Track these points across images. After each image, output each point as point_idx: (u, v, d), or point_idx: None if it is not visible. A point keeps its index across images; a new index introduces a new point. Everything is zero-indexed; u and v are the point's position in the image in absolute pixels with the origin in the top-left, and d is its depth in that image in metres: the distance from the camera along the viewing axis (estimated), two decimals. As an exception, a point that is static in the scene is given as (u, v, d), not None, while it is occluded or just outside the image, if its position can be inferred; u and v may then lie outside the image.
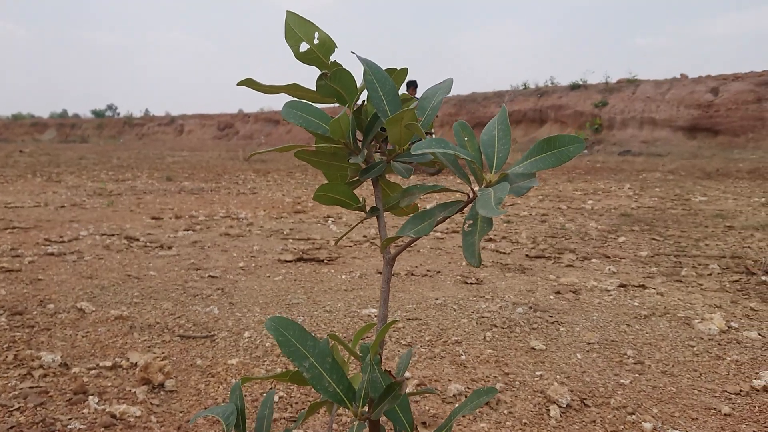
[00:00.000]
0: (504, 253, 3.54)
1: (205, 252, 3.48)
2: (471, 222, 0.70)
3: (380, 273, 2.97)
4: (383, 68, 0.81)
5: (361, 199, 0.83)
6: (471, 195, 0.72)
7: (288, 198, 6.40)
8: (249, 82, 0.79)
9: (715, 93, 18.03)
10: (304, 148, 0.82)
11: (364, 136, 0.84)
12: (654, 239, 4.02)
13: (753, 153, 14.76)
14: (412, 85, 9.48)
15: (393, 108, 0.79)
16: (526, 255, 3.45)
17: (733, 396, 1.62)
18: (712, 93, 18.09)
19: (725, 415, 1.51)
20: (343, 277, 2.94)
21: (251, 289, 2.66)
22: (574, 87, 21.04)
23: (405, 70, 0.87)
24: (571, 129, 19.31)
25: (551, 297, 2.55)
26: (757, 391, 1.65)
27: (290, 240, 3.94)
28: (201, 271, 2.98)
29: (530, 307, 2.37)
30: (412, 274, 2.99)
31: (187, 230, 4.24)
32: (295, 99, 0.83)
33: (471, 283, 2.81)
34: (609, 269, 3.08)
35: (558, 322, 2.20)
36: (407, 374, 1.72)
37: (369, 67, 0.80)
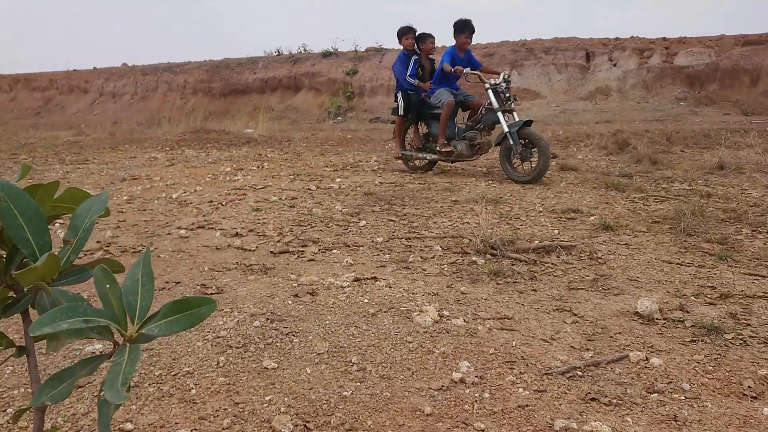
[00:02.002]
0: (249, 250, 3.54)
1: None
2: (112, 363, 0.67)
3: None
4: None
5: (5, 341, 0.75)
6: (113, 346, 0.69)
7: None
8: None
9: (449, 63, 19.81)
10: None
11: (6, 264, 0.75)
12: (391, 220, 4.35)
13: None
14: (409, 33, 6.65)
15: (37, 237, 0.72)
16: (271, 251, 3.50)
17: (436, 392, 1.85)
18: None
19: (427, 415, 1.72)
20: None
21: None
22: (327, 55, 21.54)
23: (56, 183, 0.79)
24: (325, 96, 19.84)
25: (290, 302, 2.63)
26: (456, 383, 1.90)
27: None
28: None
29: (268, 318, 2.42)
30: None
31: None
32: None
33: (211, 293, 2.76)
34: (347, 261, 3.27)
35: (293, 333, 2.28)
36: (129, 426, 1.64)
37: (4, 190, 0.72)
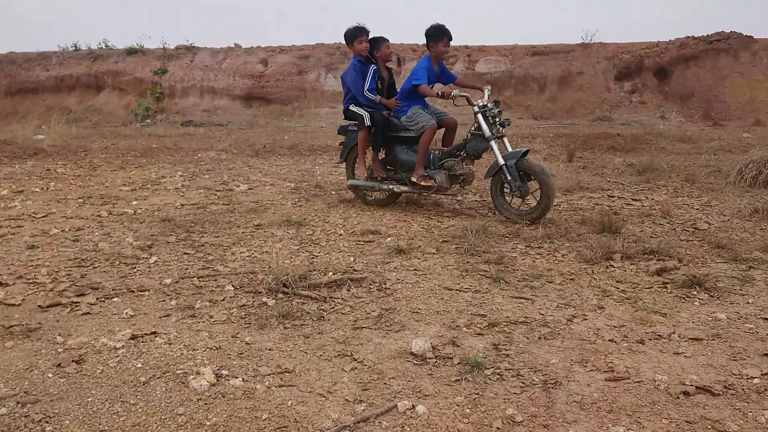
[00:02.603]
0: (13, 305, 3.15)
1: None
2: None
3: None
4: None
5: None
6: None
7: None
8: None
9: (266, 64, 19.61)
10: None
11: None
12: (186, 253, 4.15)
13: (298, 121, 16.68)
14: (362, 36, 5.46)
15: None
16: (39, 305, 3.14)
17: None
18: (263, 64, 19.62)
19: None
20: None
21: None
22: (131, 52, 20.15)
23: None
24: (132, 97, 18.53)
25: (50, 375, 2.37)
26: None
27: None
28: None
29: (19, 401, 2.16)
30: None
31: None
32: None
33: (-47, 373, 2.41)
34: (127, 312, 3.04)
35: (47, 418, 2.06)
36: None
37: None
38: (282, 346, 2.67)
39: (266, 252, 4.16)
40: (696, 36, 19.17)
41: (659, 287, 3.43)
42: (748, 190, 6.42)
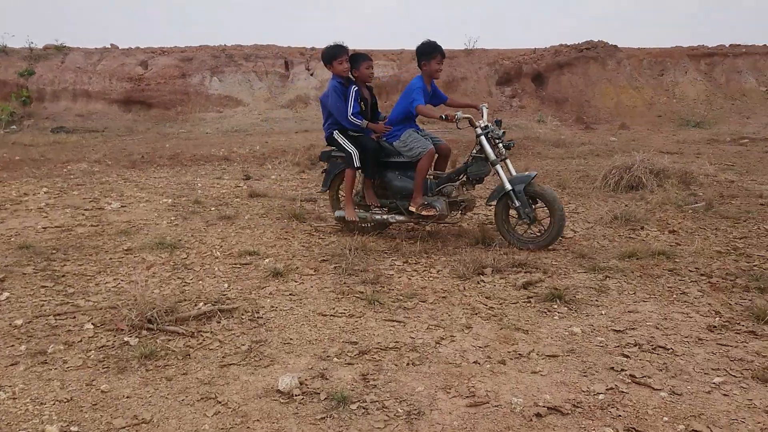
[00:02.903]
0: None
1: None
2: None
3: None
4: None
5: None
6: None
7: None
8: None
9: (145, 66, 18.72)
10: None
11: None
12: (44, 286, 3.85)
13: (182, 127, 16.07)
14: (343, 55, 4.99)
15: None
16: None
17: None
18: (142, 66, 18.71)
19: None
20: None
21: None
22: (-7, 52, 18.51)
23: None
24: (-5, 101, 17.02)
25: None
26: None
27: None
28: None
29: None
30: None
31: None
32: None
33: None
34: (-33, 363, 2.77)
35: None
36: None
37: None
38: (141, 392, 2.53)
39: (134, 281, 3.94)
40: (569, 44, 20.44)
41: (524, 302, 3.60)
42: (611, 195, 6.90)
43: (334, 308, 3.49)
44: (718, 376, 2.65)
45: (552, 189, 5.00)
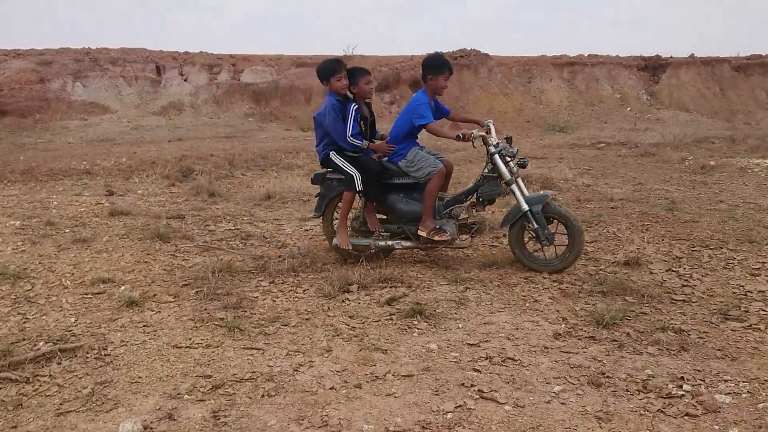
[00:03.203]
0: None
1: None
2: None
3: None
4: None
5: None
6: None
7: None
8: None
9: (-3, 70, 17.19)
10: None
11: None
12: None
13: (41, 136, 14.90)
14: (341, 71, 4.59)
15: None
16: None
17: None
18: (-7, 70, 17.16)
19: None
20: None
21: None
22: None
23: None
24: None
25: None
26: None
27: None
28: None
29: None
30: None
31: None
32: None
33: None
34: None
35: None
36: None
37: None
38: (-41, 455, 2.29)
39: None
40: (443, 52, 21.14)
41: (386, 319, 3.64)
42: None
43: (190, 339, 3.35)
44: (558, 384, 2.81)
45: (562, 205, 4.84)
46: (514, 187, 4.50)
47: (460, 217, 4.70)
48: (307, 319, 3.65)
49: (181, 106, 17.51)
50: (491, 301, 3.95)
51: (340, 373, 2.94)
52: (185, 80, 18.44)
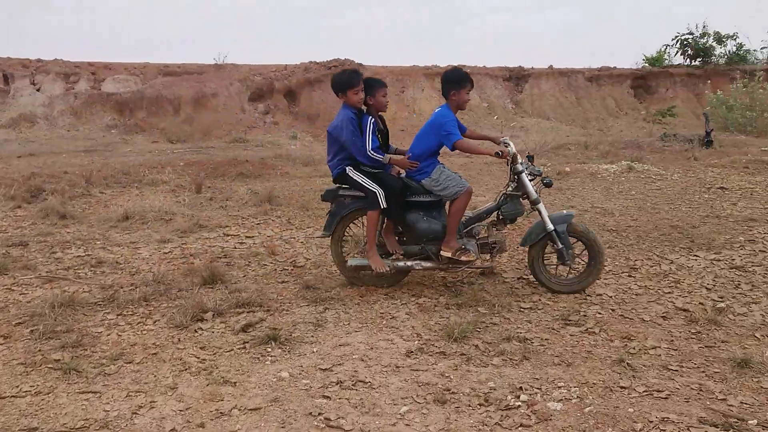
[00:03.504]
0: None
1: None
2: None
3: None
4: None
5: None
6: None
7: None
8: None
9: None
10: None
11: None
12: None
13: None
14: (358, 84, 4.38)
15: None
16: None
17: None
18: None
19: None
20: None
21: None
22: None
23: None
24: None
25: None
26: None
27: None
28: None
29: None
30: None
31: None
32: None
33: None
34: None
35: None
36: None
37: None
38: None
39: None
40: (318, 61, 21.18)
41: (239, 348, 3.54)
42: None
43: (18, 386, 3.06)
44: (405, 405, 2.86)
45: (583, 223, 4.84)
46: (540, 206, 4.46)
47: (479, 236, 4.63)
48: (154, 353, 3.47)
49: (34, 118, 16.16)
50: (349, 320, 3.96)
51: (183, 413, 2.80)
52: (38, 90, 17.05)
